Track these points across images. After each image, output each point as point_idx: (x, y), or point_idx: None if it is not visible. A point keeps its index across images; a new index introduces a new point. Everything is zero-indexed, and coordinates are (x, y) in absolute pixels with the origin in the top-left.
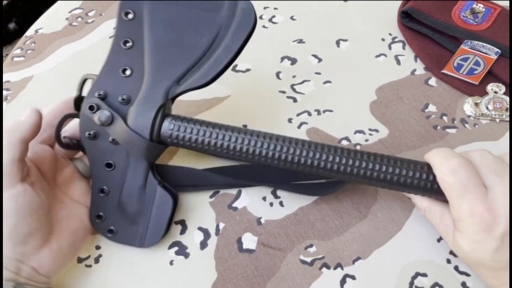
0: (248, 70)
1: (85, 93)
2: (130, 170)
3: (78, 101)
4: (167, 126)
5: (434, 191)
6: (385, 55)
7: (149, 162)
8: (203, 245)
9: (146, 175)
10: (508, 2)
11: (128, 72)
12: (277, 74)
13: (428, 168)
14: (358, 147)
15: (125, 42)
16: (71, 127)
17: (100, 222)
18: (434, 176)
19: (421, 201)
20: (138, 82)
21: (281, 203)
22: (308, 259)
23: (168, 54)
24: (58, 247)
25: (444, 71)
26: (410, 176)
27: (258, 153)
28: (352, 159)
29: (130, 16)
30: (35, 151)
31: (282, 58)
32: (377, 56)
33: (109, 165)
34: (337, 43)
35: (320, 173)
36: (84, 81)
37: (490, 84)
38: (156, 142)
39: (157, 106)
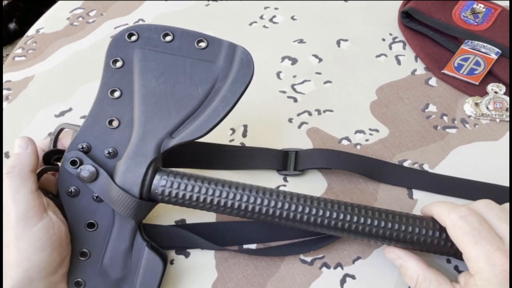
0: None
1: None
2: (115, 231)
3: (51, 154)
4: (159, 182)
5: (443, 247)
6: (386, 55)
7: (136, 221)
8: None
9: (133, 236)
10: (508, 2)
11: (115, 124)
12: (278, 74)
13: (434, 222)
14: (358, 147)
15: (113, 91)
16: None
17: None
18: (441, 232)
19: (414, 270)
20: (126, 134)
21: None
22: (308, 259)
23: (160, 105)
24: None
25: (445, 71)
26: (416, 233)
27: (258, 211)
28: (357, 216)
29: (119, 64)
30: (40, 180)
31: (283, 58)
32: (377, 56)
33: (91, 225)
34: (338, 43)
35: (324, 231)
36: (59, 132)
37: (491, 84)
38: (146, 200)
39: (148, 160)
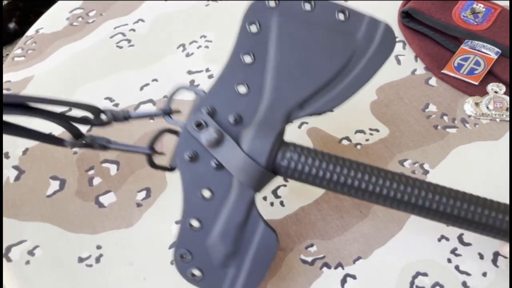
0: None
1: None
2: (231, 202)
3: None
4: (286, 155)
5: None
6: None
7: (256, 192)
8: None
9: (250, 209)
10: (508, 2)
11: (243, 90)
12: None
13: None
14: (359, 147)
15: (245, 56)
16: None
17: (183, 262)
18: None
19: None
20: (254, 102)
21: (281, 203)
22: (309, 259)
23: (293, 75)
24: None
25: (445, 71)
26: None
27: (407, 203)
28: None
29: (254, 29)
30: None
31: None
32: None
33: (206, 194)
34: None
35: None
36: (175, 92)
37: (491, 84)
38: (269, 171)
39: (277, 130)
